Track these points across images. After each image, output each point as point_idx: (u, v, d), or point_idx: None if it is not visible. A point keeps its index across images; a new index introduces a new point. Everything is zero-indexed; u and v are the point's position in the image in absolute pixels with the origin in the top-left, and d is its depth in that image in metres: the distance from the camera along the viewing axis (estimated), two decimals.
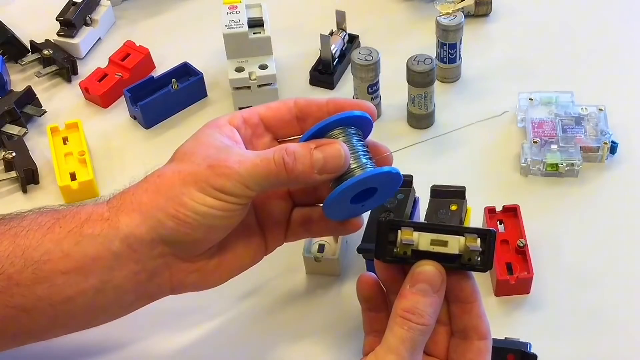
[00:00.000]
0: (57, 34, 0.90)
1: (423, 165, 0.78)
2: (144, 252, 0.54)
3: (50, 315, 0.55)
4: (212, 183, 0.53)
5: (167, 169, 0.55)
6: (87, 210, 0.55)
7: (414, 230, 0.52)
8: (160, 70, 0.88)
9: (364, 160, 0.55)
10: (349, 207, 0.57)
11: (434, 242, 0.52)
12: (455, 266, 0.51)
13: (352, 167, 0.55)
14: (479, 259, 0.51)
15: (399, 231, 0.52)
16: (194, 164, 0.54)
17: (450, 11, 0.82)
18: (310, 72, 0.87)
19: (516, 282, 0.66)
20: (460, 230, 0.52)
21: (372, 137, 0.59)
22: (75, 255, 0.54)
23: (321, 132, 0.56)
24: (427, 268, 0.51)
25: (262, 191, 0.55)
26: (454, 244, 0.51)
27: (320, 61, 0.86)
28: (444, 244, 0.51)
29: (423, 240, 0.52)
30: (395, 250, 0.52)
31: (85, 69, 0.90)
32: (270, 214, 0.60)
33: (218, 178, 0.53)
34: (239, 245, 0.59)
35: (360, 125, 0.57)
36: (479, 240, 0.51)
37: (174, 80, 0.84)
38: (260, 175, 0.54)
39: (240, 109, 0.81)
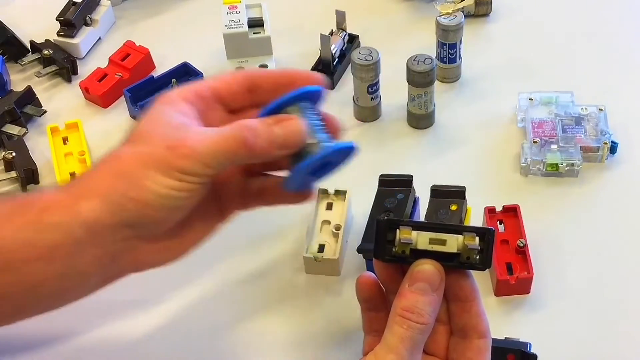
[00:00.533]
0: (57, 34, 0.90)
1: (423, 165, 0.78)
2: (107, 236, 0.54)
3: (17, 302, 0.54)
4: (173, 164, 0.53)
5: (125, 151, 0.55)
6: (46, 198, 0.55)
7: (413, 230, 0.52)
8: (160, 70, 0.88)
9: (322, 135, 0.56)
10: (306, 179, 0.58)
11: (432, 241, 0.52)
12: (454, 265, 0.51)
13: (310, 142, 0.55)
14: (477, 257, 0.51)
15: (398, 230, 0.52)
16: (152, 145, 0.54)
17: (450, 11, 0.82)
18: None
19: (516, 282, 0.66)
20: (458, 229, 0.52)
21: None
22: (37, 243, 0.53)
23: (278, 108, 0.56)
24: (426, 267, 0.51)
25: (223, 169, 0.55)
26: (453, 243, 0.51)
27: (320, 61, 0.86)
28: (443, 242, 0.51)
29: (422, 239, 0.52)
30: (394, 249, 0.52)
31: (85, 69, 0.90)
32: (226, 185, 0.60)
33: (179, 159, 0.53)
34: (198, 219, 0.58)
35: (315, 98, 0.58)
36: (477, 238, 0.51)
37: (174, 80, 0.84)
38: (221, 153, 0.53)
39: None
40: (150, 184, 0.53)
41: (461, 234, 0.51)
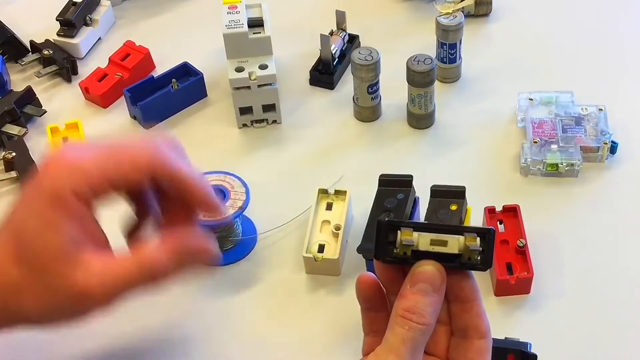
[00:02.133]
0: (57, 34, 0.91)
1: (423, 165, 0.78)
2: None
3: None
4: (78, 312, 0.53)
5: (21, 283, 0.52)
6: None
7: (414, 231, 0.52)
8: (160, 70, 0.88)
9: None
10: None
11: (433, 242, 0.51)
12: (455, 265, 0.51)
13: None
14: (478, 258, 0.51)
15: (399, 232, 0.52)
16: (56, 294, 0.52)
17: (450, 11, 0.82)
18: (310, 72, 0.87)
19: (516, 282, 0.66)
20: (459, 229, 0.51)
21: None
22: None
23: None
24: (427, 268, 0.51)
25: None
26: (454, 244, 0.51)
27: (320, 61, 0.86)
28: (444, 243, 0.51)
29: (423, 241, 0.51)
30: (395, 250, 0.52)
31: (85, 69, 0.90)
32: None
33: (84, 308, 0.53)
34: None
35: None
36: (478, 239, 0.51)
37: (174, 80, 0.84)
38: (122, 292, 0.53)
39: (240, 109, 0.81)
40: (49, 323, 0.54)
41: (462, 235, 0.51)
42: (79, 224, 0.52)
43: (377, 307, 0.54)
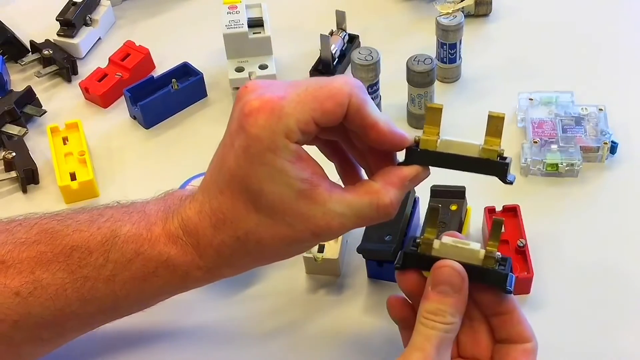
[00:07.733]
0: (57, 34, 0.91)
1: None
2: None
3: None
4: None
5: (263, 230, 0.53)
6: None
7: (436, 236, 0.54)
8: (160, 70, 0.88)
9: None
10: None
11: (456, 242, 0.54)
12: (478, 276, 0.53)
13: None
14: (497, 266, 0.53)
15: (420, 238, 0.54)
16: (295, 229, 0.53)
17: (450, 11, 0.82)
18: (310, 72, 0.87)
19: (516, 282, 0.66)
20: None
21: None
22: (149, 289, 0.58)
23: None
24: (445, 269, 0.52)
25: None
26: (475, 253, 0.53)
27: (320, 61, 0.86)
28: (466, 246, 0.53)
29: (444, 242, 0.54)
30: (416, 247, 0.54)
31: (85, 69, 0.90)
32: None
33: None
34: None
35: None
36: (498, 253, 0.53)
37: (174, 80, 0.84)
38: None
39: None
40: (285, 256, 0.57)
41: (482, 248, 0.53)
42: (302, 165, 0.52)
43: (412, 324, 0.55)
